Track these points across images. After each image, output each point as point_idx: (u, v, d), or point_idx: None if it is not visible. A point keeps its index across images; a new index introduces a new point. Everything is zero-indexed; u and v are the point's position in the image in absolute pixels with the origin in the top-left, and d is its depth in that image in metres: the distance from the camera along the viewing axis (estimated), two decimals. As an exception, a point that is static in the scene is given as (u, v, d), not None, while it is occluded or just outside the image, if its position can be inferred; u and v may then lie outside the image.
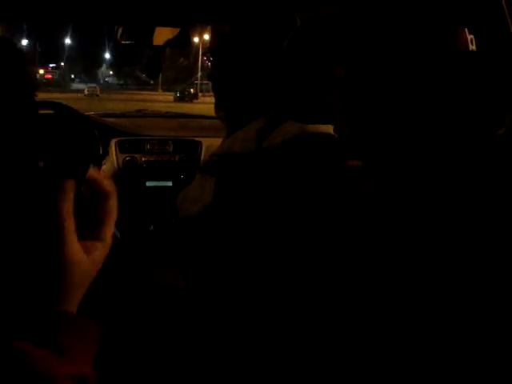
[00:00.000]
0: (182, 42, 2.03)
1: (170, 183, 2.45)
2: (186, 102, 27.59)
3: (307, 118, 0.79)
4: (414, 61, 0.62)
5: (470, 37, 0.63)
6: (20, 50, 1.20)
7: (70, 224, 0.53)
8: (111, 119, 2.75)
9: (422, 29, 0.62)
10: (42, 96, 1.77)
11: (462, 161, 0.62)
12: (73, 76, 45.02)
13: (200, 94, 32.98)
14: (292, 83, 0.75)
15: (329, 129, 0.79)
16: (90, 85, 33.58)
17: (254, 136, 0.93)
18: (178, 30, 1.99)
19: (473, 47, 0.63)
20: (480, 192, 0.61)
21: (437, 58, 0.62)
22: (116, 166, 2.42)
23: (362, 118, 0.67)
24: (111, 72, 48.41)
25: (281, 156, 0.86)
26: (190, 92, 31.60)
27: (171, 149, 2.49)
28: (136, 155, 2.45)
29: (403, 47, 0.62)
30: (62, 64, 42.39)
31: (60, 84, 35.83)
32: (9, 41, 1.18)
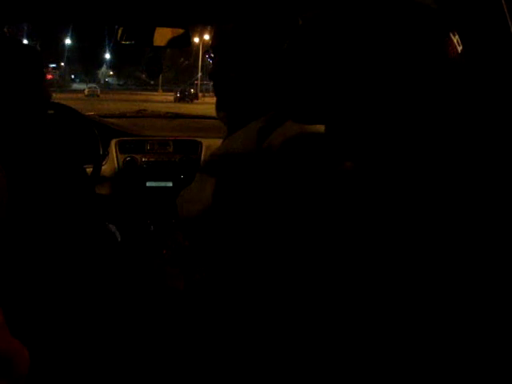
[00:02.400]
0: (182, 43, 2.03)
1: (170, 183, 2.45)
2: (187, 102, 27.57)
3: (307, 118, 0.78)
4: (406, 63, 0.62)
5: (455, 38, 0.63)
6: (38, 52, 1.22)
7: None
8: (111, 119, 2.75)
9: (414, 35, 0.62)
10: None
11: (456, 159, 0.62)
12: (73, 76, 45.02)
13: (200, 95, 32.97)
14: (292, 83, 0.75)
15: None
16: (90, 85, 33.54)
17: (255, 136, 0.93)
18: (179, 30, 1.99)
19: (460, 48, 0.63)
20: (477, 190, 0.61)
21: (429, 62, 0.62)
22: (116, 166, 2.42)
23: (356, 119, 0.67)
24: (111, 72, 48.40)
25: (281, 156, 0.86)
26: (190, 92, 31.56)
27: (171, 149, 2.49)
28: (136, 155, 2.45)
29: (396, 51, 0.62)
30: (63, 64, 42.40)
31: (60, 84, 35.79)
32: (25, 44, 1.21)
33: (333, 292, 0.66)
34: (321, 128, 0.88)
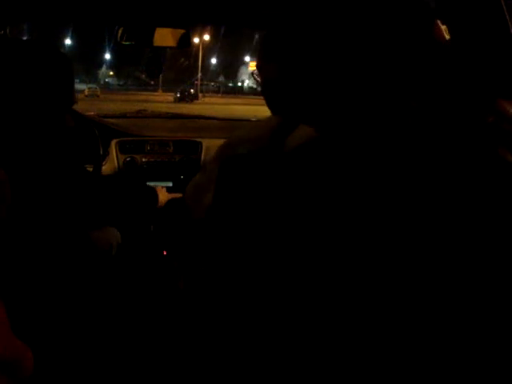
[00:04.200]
0: (182, 43, 2.03)
1: (170, 184, 2.45)
2: (186, 102, 27.57)
3: (319, 120, 0.78)
4: (397, 54, 0.62)
5: (443, 27, 0.63)
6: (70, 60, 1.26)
7: None
8: (112, 120, 2.75)
9: (402, 23, 0.62)
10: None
11: (452, 151, 0.62)
12: (73, 76, 44.90)
13: (200, 95, 32.99)
14: (304, 86, 0.75)
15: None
16: (90, 85, 33.46)
17: (267, 136, 0.93)
18: (179, 30, 1.99)
19: (448, 37, 0.64)
20: (472, 182, 0.61)
21: (418, 52, 0.62)
22: (116, 166, 2.42)
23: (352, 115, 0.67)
24: (111, 73, 48.43)
25: (294, 159, 0.86)
26: (190, 92, 31.56)
27: (171, 149, 2.49)
28: (136, 156, 2.45)
29: (386, 43, 0.62)
30: (63, 64, 42.17)
31: (60, 84, 35.63)
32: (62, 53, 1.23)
33: (334, 291, 0.66)
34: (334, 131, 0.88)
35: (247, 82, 45.90)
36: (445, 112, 0.64)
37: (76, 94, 1.41)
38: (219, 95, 37.32)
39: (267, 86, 1.04)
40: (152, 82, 39.24)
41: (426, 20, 0.62)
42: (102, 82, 44.86)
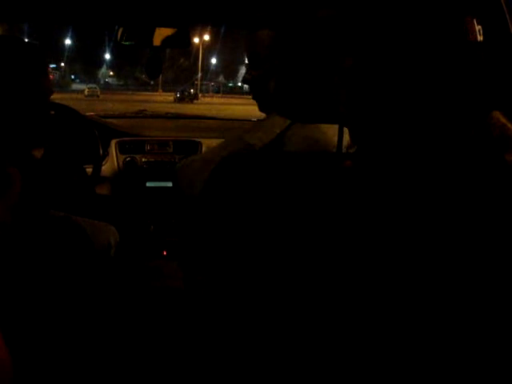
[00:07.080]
0: (182, 43, 2.03)
1: (169, 184, 2.45)
2: (186, 102, 27.58)
3: (312, 118, 0.78)
4: (421, 56, 0.62)
5: (478, 27, 0.63)
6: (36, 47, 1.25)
7: None
8: (111, 120, 2.75)
9: (431, 20, 0.62)
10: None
11: (455, 158, 0.62)
12: (73, 76, 44.98)
13: (200, 95, 33.00)
14: (296, 84, 0.75)
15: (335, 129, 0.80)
16: (90, 85, 33.41)
17: (268, 137, 0.93)
18: (179, 30, 1.99)
19: (480, 38, 0.63)
20: (474, 188, 0.61)
21: (446, 50, 0.61)
22: (116, 166, 2.42)
23: (362, 117, 0.67)
24: (111, 73, 48.46)
25: (294, 158, 0.86)
26: (190, 92, 31.58)
27: (171, 149, 2.49)
28: (136, 156, 2.45)
29: (411, 40, 0.62)
30: (63, 64, 42.36)
31: (60, 84, 35.72)
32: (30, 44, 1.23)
33: (333, 289, 0.66)
34: (328, 130, 0.88)
35: (247, 82, 45.74)
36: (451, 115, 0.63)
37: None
38: (219, 95, 37.35)
39: (259, 86, 1.04)
40: (152, 82, 39.22)
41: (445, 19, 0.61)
42: (101, 82, 44.84)
